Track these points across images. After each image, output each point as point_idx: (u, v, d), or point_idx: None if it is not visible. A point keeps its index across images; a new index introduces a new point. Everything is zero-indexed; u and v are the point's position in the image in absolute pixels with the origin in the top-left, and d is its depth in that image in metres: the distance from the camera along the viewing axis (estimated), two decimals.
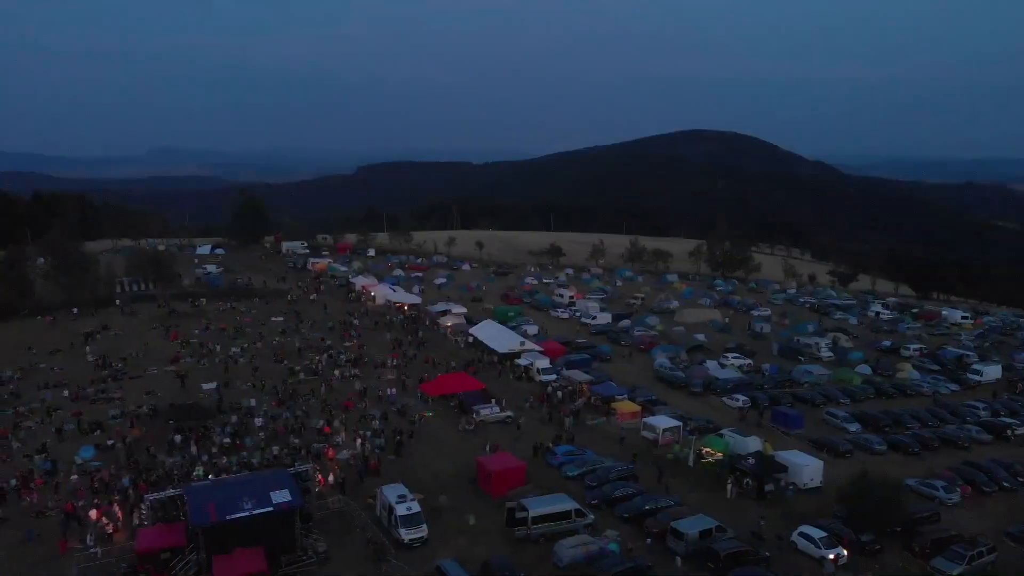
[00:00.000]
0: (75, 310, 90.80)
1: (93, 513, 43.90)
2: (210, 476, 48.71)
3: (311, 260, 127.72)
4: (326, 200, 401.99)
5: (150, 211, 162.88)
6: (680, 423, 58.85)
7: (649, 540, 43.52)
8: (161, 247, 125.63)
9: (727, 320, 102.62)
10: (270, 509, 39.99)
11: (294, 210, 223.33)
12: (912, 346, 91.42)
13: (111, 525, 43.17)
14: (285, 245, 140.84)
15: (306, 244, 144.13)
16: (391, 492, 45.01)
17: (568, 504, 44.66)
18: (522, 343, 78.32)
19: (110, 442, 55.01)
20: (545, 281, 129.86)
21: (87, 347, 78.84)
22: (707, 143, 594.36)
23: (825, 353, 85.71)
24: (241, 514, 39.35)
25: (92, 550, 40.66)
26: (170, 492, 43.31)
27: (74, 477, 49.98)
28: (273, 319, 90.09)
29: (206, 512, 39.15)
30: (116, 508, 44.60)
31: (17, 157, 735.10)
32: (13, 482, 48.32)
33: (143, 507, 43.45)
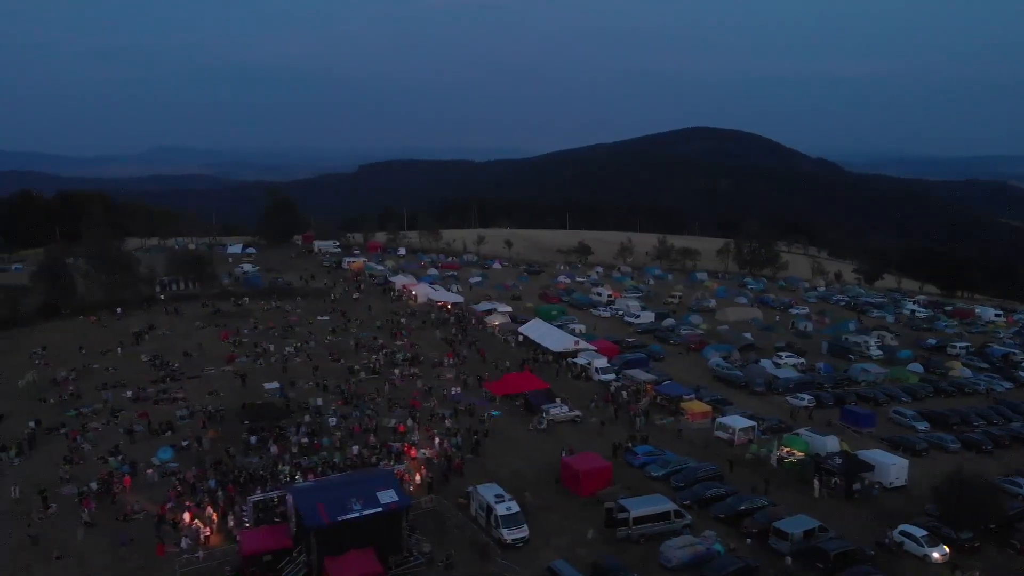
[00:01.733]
0: (119, 310, 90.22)
1: (186, 516, 43.49)
2: (297, 476, 48.29)
3: (346, 259, 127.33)
4: (327, 199, 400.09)
5: (182, 211, 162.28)
6: (755, 423, 58.64)
7: (749, 540, 43.34)
8: (191, 246, 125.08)
9: (778, 318, 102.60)
10: (379, 509, 39.58)
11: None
12: (959, 344, 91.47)
13: (208, 528, 42.70)
14: (317, 244, 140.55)
15: (338, 243, 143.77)
16: (487, 492, 44.67)
17: (667, 505, 44.38)
18: (576, 342, 78.03)
19: (184, 443, 54.47)
20: (579, 280, 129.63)
21: (138, 346, 78.40)
22: (709, 140, 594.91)
23: (874, 352, 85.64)
24: (352, 515, 38.91)
25: (196, 554, 40.19)
26: (273, 493, 42.93)
27: (150, 471, 49.65)
28: (319, 318, 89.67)
29: (317, 513, 38.67)
30: (210, 510, 44.15)
31: (16, 156, 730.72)
32: (94, 485, 47.73)
33: (244, 509, 43.05)
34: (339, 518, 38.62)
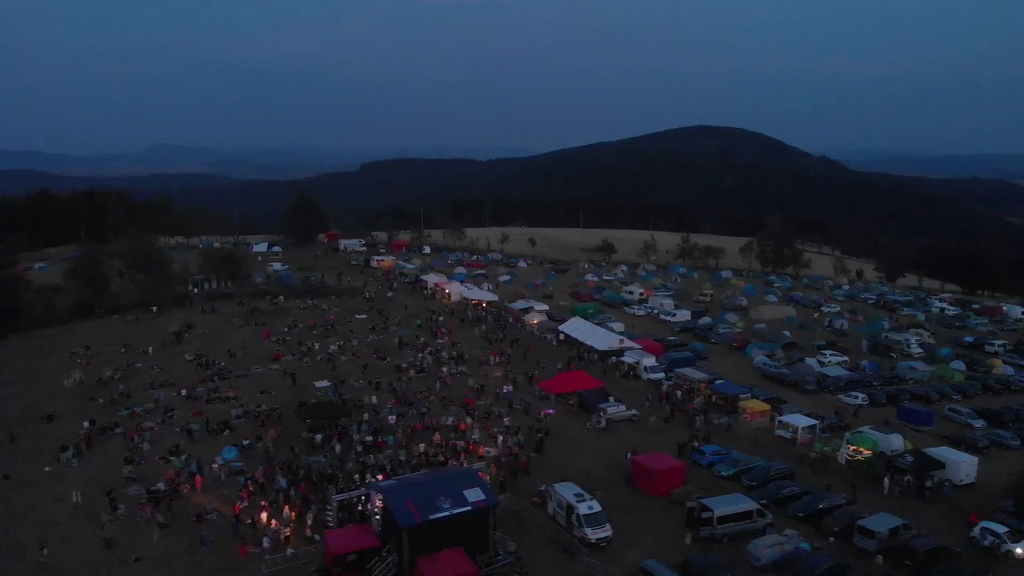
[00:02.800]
0: (155, 308, 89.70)
1: (263, 516, 43.10)
2: (367, 475, 47.87)
3: (374, 258, 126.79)
4: (329, 197, 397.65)
5: (207, 209, 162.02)
6: (816, 421, 58.41)
7: (831, 539, 43.12)
8: (217, 245, 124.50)
9: (816, 316, 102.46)
10: (468, 508, 39.25)
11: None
12: (996, 342, 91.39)
13: (288, 528, 42.29)
14: (343, 243, 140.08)
15: (364, 242, 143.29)
16: (566, 490, 44.36)
17: (750, 504, 44.12)
18: (621, 340, 77.75)
19: (246, 442, 54.04)
20: (606, 278, 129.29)
21: (179, 345, 77.99)
22: (712, 139, 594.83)
23: (915, 349, 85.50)
24: (442, 514, 38.57)
25: (282, 554, 39.80)
26: (356, 492, 42.56)
27: (215, 467, 49.32)
28: (357, 316, 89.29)
29: (408, 512, 38.29)
30: (287, 510, 43.75)
31: (17, 155, 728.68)
32: (161, 485, 47.23)
33: (328, 508, 42.68)
34: (430, 517, 38.28)
